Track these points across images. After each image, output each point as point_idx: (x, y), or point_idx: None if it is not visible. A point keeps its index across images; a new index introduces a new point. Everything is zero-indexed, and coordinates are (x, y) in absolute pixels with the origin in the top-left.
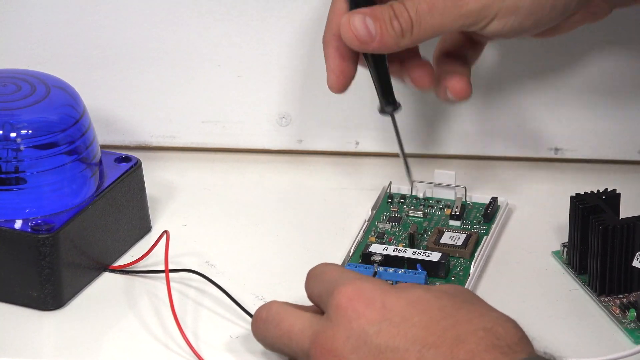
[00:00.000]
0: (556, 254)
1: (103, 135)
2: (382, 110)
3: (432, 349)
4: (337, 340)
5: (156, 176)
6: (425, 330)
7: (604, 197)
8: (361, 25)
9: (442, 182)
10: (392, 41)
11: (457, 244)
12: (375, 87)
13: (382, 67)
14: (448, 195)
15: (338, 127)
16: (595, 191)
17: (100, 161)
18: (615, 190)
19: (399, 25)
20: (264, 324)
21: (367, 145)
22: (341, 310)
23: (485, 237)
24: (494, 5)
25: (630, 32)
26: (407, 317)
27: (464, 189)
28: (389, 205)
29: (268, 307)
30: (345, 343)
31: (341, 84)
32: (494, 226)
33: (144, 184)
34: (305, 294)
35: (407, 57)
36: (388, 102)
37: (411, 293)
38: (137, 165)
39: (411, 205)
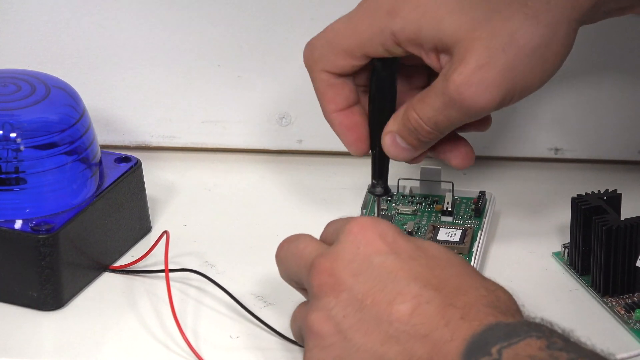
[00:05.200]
0: (557, 254)
1: (103, 135)
2: (372, 191)
3: (432, 290)
4: (339, 261)
5: (156, 176)
6: (430, 271)
7: (605, 197)
8: (394, 145)
9: (430, 178)
10: (426, 146)
11: (455, 240)
12: (373, 170)
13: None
14: (434, 191)
15: None
16: (596, 191)
17: (100, 161)
18: (616, 190)
19: (425, 137)
20: (287, 243)
21: None
22: (352, 235)
23: (479, 231)
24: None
25: (630, 31)
26: (414, 257)
27: (451, 184)
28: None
29: (298, 234)
30: (346, 266)
31: (365, 148)
32: (485, 220)
33: (144, 184)
34: (307, 293)
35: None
36: (380, 185)
37: (422, 241)
38: (137, 165)
39: (399, 203)
